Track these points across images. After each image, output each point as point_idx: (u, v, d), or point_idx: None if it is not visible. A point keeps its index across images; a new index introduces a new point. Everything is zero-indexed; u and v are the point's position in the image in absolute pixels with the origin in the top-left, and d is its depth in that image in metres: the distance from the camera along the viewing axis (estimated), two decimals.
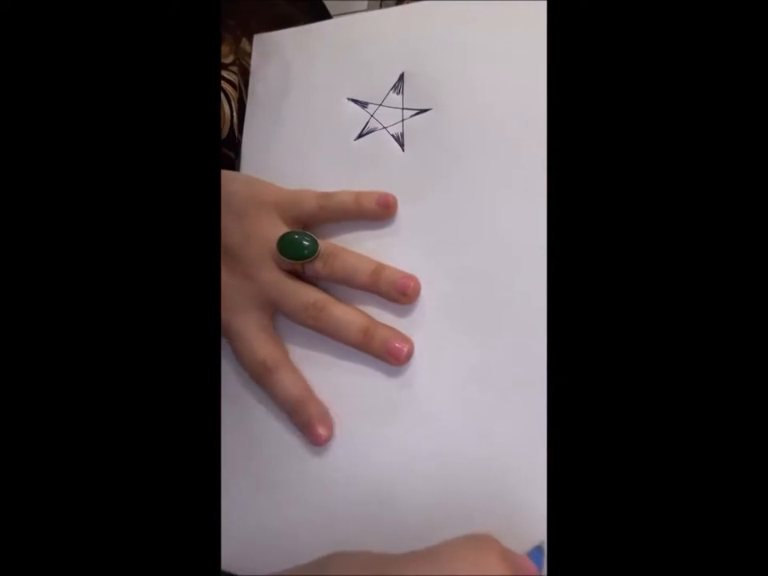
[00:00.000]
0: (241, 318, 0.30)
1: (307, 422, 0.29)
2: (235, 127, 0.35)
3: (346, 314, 0.29)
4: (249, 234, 0.30)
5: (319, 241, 0.29)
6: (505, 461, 0.26)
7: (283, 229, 0.30)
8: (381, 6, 0.44)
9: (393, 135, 0.31)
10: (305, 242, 0.29)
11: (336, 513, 0.28)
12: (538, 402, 0.26)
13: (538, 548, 0.24)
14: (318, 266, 0.29)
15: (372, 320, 0.29)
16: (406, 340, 0.28)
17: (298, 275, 0.30)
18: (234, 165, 0.34)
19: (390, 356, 0.28)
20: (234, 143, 0.34)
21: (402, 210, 0.30)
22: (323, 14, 0.46)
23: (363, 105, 0.31)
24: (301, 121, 0.33)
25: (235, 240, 0.30)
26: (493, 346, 0.27)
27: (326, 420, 0.29)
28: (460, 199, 0.29)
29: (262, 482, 0.30)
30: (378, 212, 0.30)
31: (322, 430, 0.29)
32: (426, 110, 0.30)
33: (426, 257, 0.29)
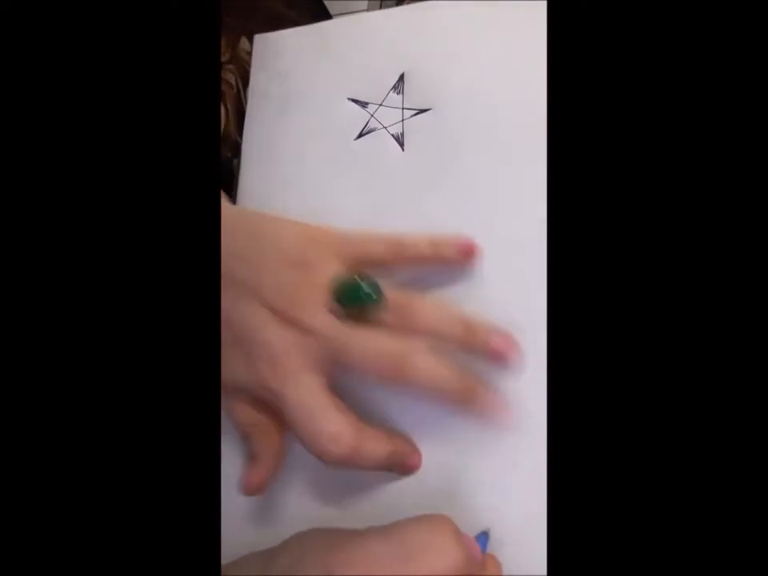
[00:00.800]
0: (297, 381, 0.25)
1: (405, 470, 0.27)
2: (231, 126, 0.34)
3: (430, 363, 0.24)
4: (304, 281, 0.25)
5: (387, 288, 0.25)
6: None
7: (341, 272, 0.26)
8: (381, 6, 0.44)
9: (393, 135, 0.31)
10: (369, 290, 0.25)
11: (340, 515, 0.28)
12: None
13: (484, 533, 0.25)
14: (387, 316, 0.25)
15: (462, 370, 0.25)
16: (504, 401, 0.25)
17: (362, 323, 0.25)
18: (230, 162, 0.34)
19: (495, 418, 0.25)
20: (229, 141, 0.33)
21: (401, 210, 0.30)
22: (323, 14, 0.46)
23: (363, 105, 0.32)
24: (301, 121, 0.33)
25: (287, 290, 0.25)
26: None
27: (415, 455, 0.27)
28: (460, 199, 0.29)
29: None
30: (459, 261, 0.26)
31: (416, 462, 0.27)
32: (425, 110, 0.30)
33: None
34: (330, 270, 0.26)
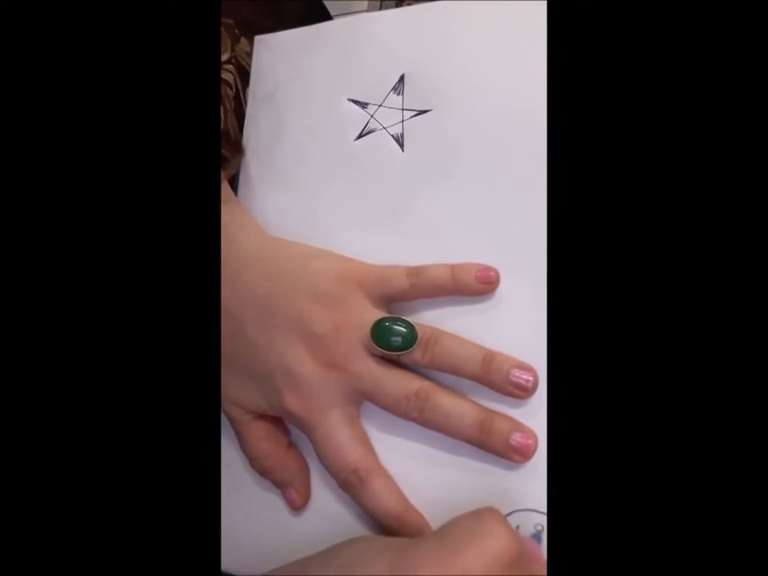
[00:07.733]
0: (327, 415, 0.27)
1: (406, 535, 0.26)
2: (229, 125, 0.34)
3: (455, 404, 0.26)
4: (339, 321, 0.27)
5: (417, 326, 0.26)
6: None
7: (372, 311, 0.27)
8: (381, 7, 0.44)
9: (393, 135, 0.31)
10: (403, 331, 0.26)
11: (338, 514, 0.28)
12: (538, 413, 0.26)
13: (535, 535, 0.25)
14: (417, 355, 0.26)
15: (486, 410, 0.26)
16: (531, 433, 0.25)
17: (393, 361, 0.27)
18: (227, 161, 0.34)
19: (515, 452, 0.25)
20: (228, 141, 0.33)
21: (401, 211, 0.30)
22: (323, 15, 0.46)
23: (363, 105, 0.31)
24: (301, 121, 0.33)
25: (325, 329, 0.27)
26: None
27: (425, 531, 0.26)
28: (460, 199, 0.29)
29: (262, 482, 0.30)
30: (478, 289, 0.27)
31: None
32: (426, 111, 0.30)
33: (425, 257, 0.29)
34: (363, 311, 0.27)
